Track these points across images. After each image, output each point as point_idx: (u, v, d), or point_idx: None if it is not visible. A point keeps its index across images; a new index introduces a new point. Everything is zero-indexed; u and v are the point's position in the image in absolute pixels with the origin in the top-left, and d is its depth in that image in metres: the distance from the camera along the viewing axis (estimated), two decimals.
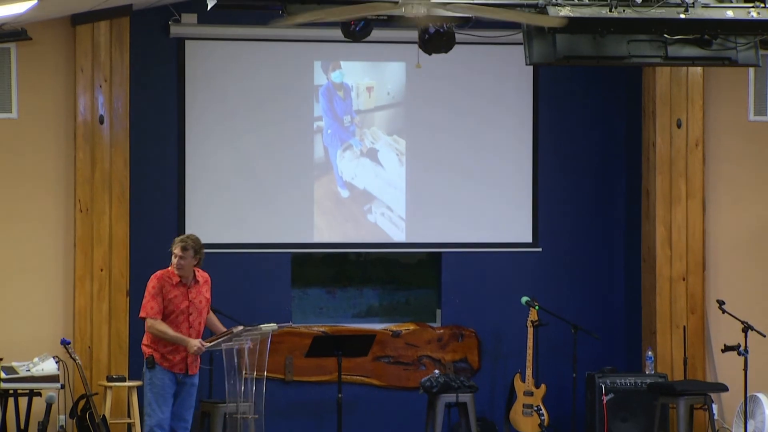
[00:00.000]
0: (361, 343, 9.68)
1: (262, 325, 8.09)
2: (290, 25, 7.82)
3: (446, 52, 8.25)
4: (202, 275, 8.11)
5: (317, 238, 10.45)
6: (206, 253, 10.07)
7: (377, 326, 10.54)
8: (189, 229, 10.13)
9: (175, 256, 7.94)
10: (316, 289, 10.90)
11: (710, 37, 7.67)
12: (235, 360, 8.00)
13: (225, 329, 8.12)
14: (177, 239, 8.04)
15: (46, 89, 9.80)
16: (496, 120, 10.62)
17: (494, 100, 10.61)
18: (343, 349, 9.48)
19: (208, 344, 7.90)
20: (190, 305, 7.94)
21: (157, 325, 7.84)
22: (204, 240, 10.02)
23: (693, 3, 7.42)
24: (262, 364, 8.14)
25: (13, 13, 8.68)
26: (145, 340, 7.98)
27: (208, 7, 7.30)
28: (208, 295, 8.12)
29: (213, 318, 8.21)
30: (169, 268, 7.99)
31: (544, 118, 10.69)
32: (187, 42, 10.22)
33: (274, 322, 8.19)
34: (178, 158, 10.25)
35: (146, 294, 7.92)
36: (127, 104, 9.86)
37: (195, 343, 7.82)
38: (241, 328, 7.99)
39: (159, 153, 10.22)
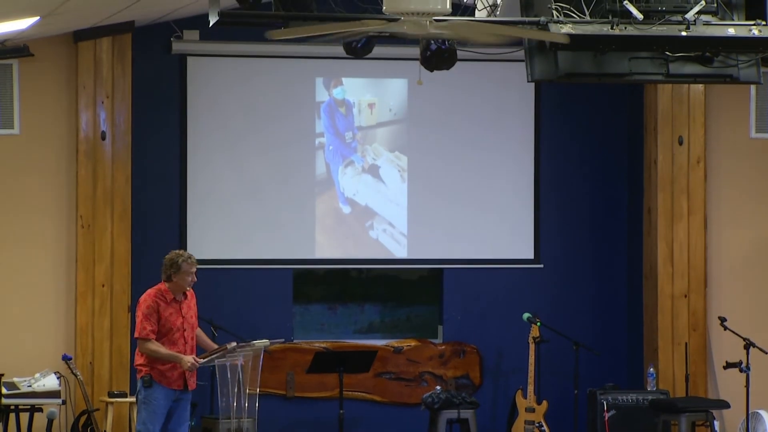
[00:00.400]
0: (363, 360, 9.67)
1: (254, 342, 8.07)
2: (291, 40, 7.80)
3: (448, 68, 8.21)
4: (188, 290, 8.11)
5: (319, 255, 10.45)
6: (208, 269, 10.08)
7: (379, 342, 10.54)
8: (191, 246, 10.14)
9: (189, 274, 7.87)
10: (317, 305, 10.90)
11: (712, 54, 7.62)
12: (228, 376, 7.94)
13: (214, 345, 8.12)
14: (189, 257, 7.90)
15: (48, 105, 9.82)
16: (498, 136, 10.63)
17: (496, 117, 10.62)
18: (344, 366, 9.47)
19: (203, 360, 7.88)
20: (184, 321, 7.93)
21: (149, 345, 7.80)
22: (205, 256, 10.08)
23: (694, 21, 7.34)
24: (255, 380, 8.11)
25: (15, 30, 8.69)
26: (140, 359, 7.94)
27: (210, 24, 7.29)
28: (196, 308, 8.11)
29: (201, 334, 8.18)
30: (160, 285, 7.92)
31: (546, 134, 10.69)
32: (189, 58, 10.23)
33: (266, 338, 8.18)
34: (179, 174, 10.26)
35: (140, 314, 7.86)
36: (129, 120, 9.87)
37: (189, 360, 7.79)
38: (234, 344, 7.96)
39: (161, 169, 10.23)
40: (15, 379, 9.24)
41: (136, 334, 7.87)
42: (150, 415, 7.84)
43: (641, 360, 10.57)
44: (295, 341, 10.41)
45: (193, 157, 10.26)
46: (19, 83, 9.74)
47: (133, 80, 9.88)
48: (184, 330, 7.91)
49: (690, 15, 7.35)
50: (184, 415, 8.01)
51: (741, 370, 9.44)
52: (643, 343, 10.59)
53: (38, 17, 8.22)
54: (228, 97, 10.30)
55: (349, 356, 9.65)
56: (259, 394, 10.14)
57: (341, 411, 9.41)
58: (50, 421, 9.10)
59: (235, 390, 7.97)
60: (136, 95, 9.94)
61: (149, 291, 7.94)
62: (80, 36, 9.69)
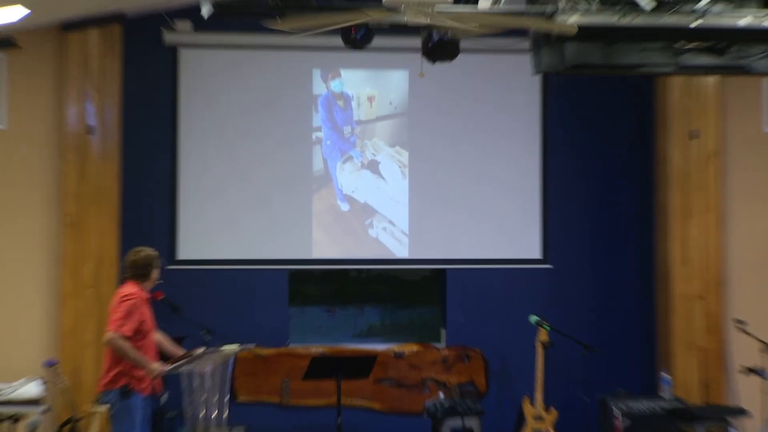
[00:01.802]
0: (362, 365, 9.57)
1: (223, 347, 8.09)
2: (288, 32, 7.81)
3: (450, 60, 8.36)
4: None
5: (316, 254, 10.52)
6: (199, 270, 10.27)
7: (379, 347, 10.64)
8: (182, 245, 10.30)
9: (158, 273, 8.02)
10: (314, 307, 11.02)
11: (724, 45, 7.75)
12: (195, 383, 7.93)
13: (179, 351, 8.11)
14: (159, 256, 8.01)
15: (35, 99, 9.91)
16: (503, 131, 10.73)
17: (501, 110, 10.72)
18: (342, 371, 9.40)
19: (170, 367, 7.83)
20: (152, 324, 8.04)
21: (123, 342, 7.66)
22: (197, 256, 10.26)
23: (706, 11, 7.48)
24: (224, 387, 8.13)
25: (3, 22, 8.74)
26: (116, 366, 7.79)
27: (204, 15, 7.34)
28: None
29: (164, 339, 8.18)
30: (139, 285, 7.91)
31: (553, 128, 10.79)
32: (181, 50, 10.37)
33: (237, 343, 8.20)
34: (170, 171, 10.39)
35: (122, 309, 7.74)
36: (119, 115, 9.99)
37: (156, 366, 7.78)
38: (202, 350, 7.96)
39: (151, 165, 10.34)
40: None
41: (112, 328, 7.66)
42: (130, 427, 7.83)
43: (654, 365, 10.67)
44: (290, 345, 10.50)
45: (185, 152, 10.40)
46: (6, 76, 9.85)
47: (123, 73, 10.01)
48: (152, 334, 7.99)
49: (701, 5, 7.48)
50: (148, 421, 8.05)
51: (760, 375, 9.48)
52: (656, 347, 10.69)
53: (29, 10, 8.29)
54: (221, 90, 10.42)
55: (348, 361, 9.55)
56: (252, 402, 10.23)
57: (339, 419, 9.36)
58: (32, 431, 8.99)
59: (204, 397, 8.02)
60: (126, 89, 10.06)
61: (134, 288, 7.88)
62: (69, 27, 9.78)
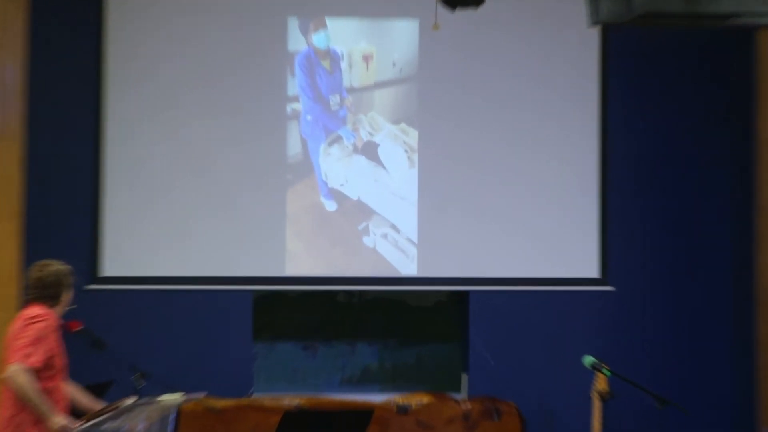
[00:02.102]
0: (353, 422, 9.36)
1: (162, 397, 8.03)
2: None
3: (476, 7, 8.24)
4: None
5: (290, 271, 10.52)
6: (131, 290, 10.38)
7: (376, 397, 10.53)
8: (108, 257, 10.30)
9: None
10: (288, 343, 11.01)
11: None
12: None
13: (96, 404, 8.01)
14: (72, 271, 7.93)
15: None
16: (547, 104, 10.70)
17: (544, 77, 10.69)
18: (327, 431, 9.29)
19: (85, 424, 7.71)
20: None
21: (28, 379, 7.61)
22: (127, 272, 10.38)
23: None
24: None
25: None
26: (18, 410, 7.71)
27: None
28: None
29: (75, 390, 8.08)
30: (52, 309, 7.84)
31: (615, 100, 10.75)
32: None
33: (181, 392, 8.13)
34: (93, 156, 10.38)
35: (30, 334, 7.69)
36: (23, 79, 9.97)
37: (60, 421, 7.66)
38: (133, 400, 7.88)
39: (67, 148, 10.35)
40: None
41: (17, 358, 7.63)
42: None
43: (753, 422, 10.68)
44: (255, 395, 10.46)
45: (113, 131, 10.38)
46: None
47: (29, 23, 10.00)
48: (64, 375, 7.86)
49: None
50: None
51: None
52: (755, 397, 10.69)
53: None
54: (164, 47, 10.41)
55: (334, 417, 9.45)
56: None
57: None
58: None
59: None
60: (34, 43, 10.09)
61: (43, 310, 7.81)
62: None
